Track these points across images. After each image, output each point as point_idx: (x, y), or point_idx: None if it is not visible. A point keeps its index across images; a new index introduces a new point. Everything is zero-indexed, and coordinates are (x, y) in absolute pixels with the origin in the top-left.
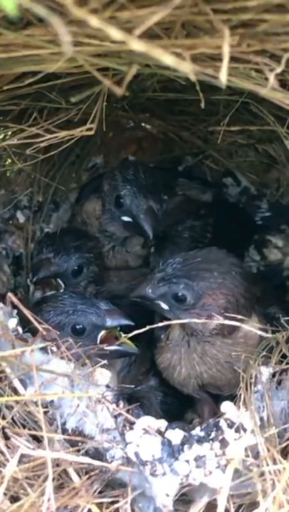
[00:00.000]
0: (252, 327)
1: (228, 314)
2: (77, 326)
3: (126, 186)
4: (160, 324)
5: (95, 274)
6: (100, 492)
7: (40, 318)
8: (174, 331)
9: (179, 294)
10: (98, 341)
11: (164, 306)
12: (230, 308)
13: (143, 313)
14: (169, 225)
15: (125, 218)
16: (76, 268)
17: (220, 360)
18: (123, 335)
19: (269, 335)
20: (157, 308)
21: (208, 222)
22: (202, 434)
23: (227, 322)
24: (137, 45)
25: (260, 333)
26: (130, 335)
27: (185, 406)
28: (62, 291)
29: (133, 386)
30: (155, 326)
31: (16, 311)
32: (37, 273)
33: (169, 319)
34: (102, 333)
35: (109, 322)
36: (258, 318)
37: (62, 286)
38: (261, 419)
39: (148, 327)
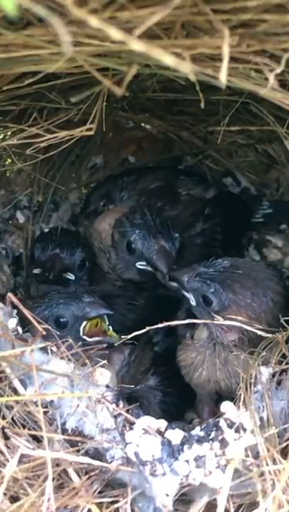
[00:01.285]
0: None
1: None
2: (61, 319)
3: (135, 231)
4: (159, 325)
5: (90, 271)
6: (99, 492)
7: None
8: (201, 331)
9: (207, 297)
10: (81, 333)
11: (193, 301)
12: (251, 331)
13: (138, 313)
14: (181, 232)
15: (140, 264)
16: (80, 262)
17: (239, 374)
18: (111, 328)
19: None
20: (186, 301)
21: (216, 222)
22: (202, 434)
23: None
24: (137, 45)
25: None
26: (129, 336)
27: (184, 406)
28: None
29: (132, 386)
30: (154, 327)
31: (15, 311)
32: (53, 269)
33: (191, 317)
34: (84, 323)
35: (91, 313)
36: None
37: (73, 278)
38: (261, 419)
39: (147, 328)
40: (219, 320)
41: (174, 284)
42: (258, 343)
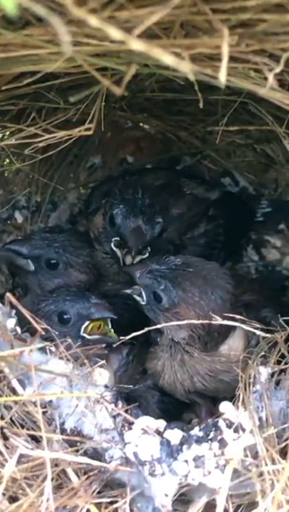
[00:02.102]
0: (232, 346)
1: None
2: (65, 315)
3: (119, 206)
4: (158, 326)
5: (81, 281)
6: (98, 492)
7: (39, 311)
8: (163, 336)
9: (157, 294)
10: (82, 332)
11: (144, 298)
12: (200, 327)
13: (136, 312)
14: (184, 232)
15: (115, 239)
16: (54, 261)
17: (200, 372)
18: (112, 330)
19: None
20: (137, 303)
21: (219, 224)
22: (201, 434)
23: (221, 322)
24: (137, 45)
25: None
26: (128, 337)
27: (183, 405)
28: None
29: (131, 386)
30: (153, 327)
31: (14, 311)
32: (11, 243)
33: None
34: (86, 323)
35: (95, 314)
36: (243, 340)
37: (32, 267)
38: (260, 419)
39: (146, 329)
40: (171, 319)
41: (126, 291)
42: (209, 340)
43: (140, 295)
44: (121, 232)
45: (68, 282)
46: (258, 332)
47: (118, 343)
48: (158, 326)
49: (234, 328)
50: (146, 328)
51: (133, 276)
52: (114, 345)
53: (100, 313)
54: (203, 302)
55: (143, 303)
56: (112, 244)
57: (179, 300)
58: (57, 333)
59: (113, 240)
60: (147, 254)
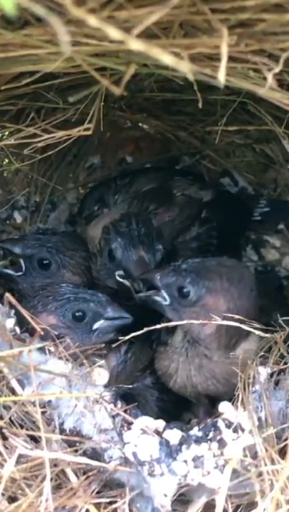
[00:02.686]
0: (247, 349)
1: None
2: (77, 313)
3: (117, 239)
4: (157, 326)
5: (73, 283)
6: (97, 492)
7: (38, 304)
8: (176, 336)
9: (184, 287)
10: (94, 328)
11: (166, 299)
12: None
13: (131, 313)
14: (175, 236)
15: (119, 274)
16: (46, 261)
17: (216, 376)
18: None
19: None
20: (158, 305)
21: (212, 226)
22: (200, 434)
23: (225, 322)
24: (136, 45)
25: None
26: (128, 337)
27: (182, 404)
28: (20, 274)
29: (130, 386)
30: (153, 327)
31: (13, 311)
32: (3, 242)
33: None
34: (101, 322)
35: (111, 312)
36: (255, 344)
37: (23, 268)
38: (259, 419)
39: (146, 329)
40: (198, 313)
41: (143, 294)
42: (235, 334)
43: (161, 296)
44: (124, 266)
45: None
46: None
47: (118, 343)
48: (158, 326)
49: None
50: (145, 328)
51: (153, 280)
52: (113, 345)
53: (118, 312)
54: (232, 289)
55: (166, 303)
56: (118, 277)
57: (207, 290)
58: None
59: (117, 274)
60: None
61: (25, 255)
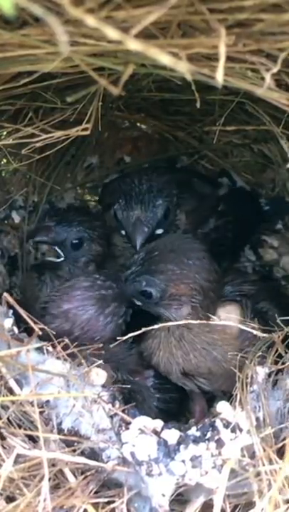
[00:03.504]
0: (228, 315)
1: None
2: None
3: (118, 200)
4: (155, 326)
5: (98, 254)
6: (95, 492)
7: None
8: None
9: (144, 291)
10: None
11: (138, 303)
12: (196, 294)
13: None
14: (195, 227)
15: (122, 232)
16: (76, 241)
17: (196, 346)
18: None
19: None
20: (143, 305)
21: (228, 220)
22: (198, 434)
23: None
24: (134, 45)
25: (227, 323)
26: (129, 336)
27: (180, 403)
28: (62, 259)
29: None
30: (150, 328)
31: (11, 311)
32: (33, 236)
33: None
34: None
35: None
36: (241, 311)
37: (62, 256)
38: (257, 419)
39: (143, 329)
40: (169, 303)
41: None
42: (210, 302)
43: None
44: (124, 228)
45: (90, 258)
46: (227, 323)
47: (116, 343)
48: (155, 327)
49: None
50: (143, 328)
51: (124, 294)
52: (111, 346)
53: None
54: (185, 271)
55: (140, 303)
56: (123, 239)
57: (165, 284)
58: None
59: (122, 233)
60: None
61: (58, 241)
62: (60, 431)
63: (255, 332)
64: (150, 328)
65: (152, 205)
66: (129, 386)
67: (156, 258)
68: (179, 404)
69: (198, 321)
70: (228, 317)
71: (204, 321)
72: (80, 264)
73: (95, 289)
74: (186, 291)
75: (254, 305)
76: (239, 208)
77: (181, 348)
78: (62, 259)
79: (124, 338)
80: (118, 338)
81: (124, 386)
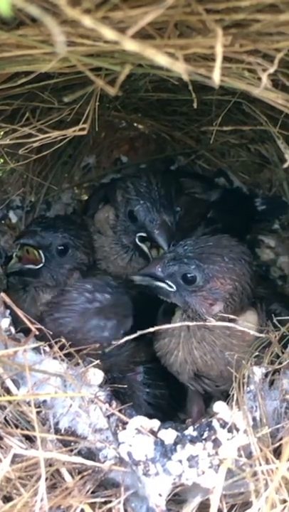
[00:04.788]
0: (247, 323)
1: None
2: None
3: (139, 201)
4: (150, 329)
5: (82, 262)
6: (92, 492)
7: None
8: (175, 316)
9: (189, 275)
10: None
11: (171, 287)
12: (235, 294)
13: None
14: (182, 233)
15: (140, 235)
16: (61, 247)
17: (215, 348)
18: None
19: (262, 335)
20: (162, 292)
21: (217, 227)
22: (195, 434)
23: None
24: (130, 45)
25: (252, 332)
26: (131, 336)
27: (169, 401)
28: (41, 265)
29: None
30: (146, 331)
31: (8, 311)
32: (20, 238)
33: (171, 309)
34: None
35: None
36: (258, 317)
37: (43, 259)
38: (254, 419)
39: (139, 332)
40: (206, 296)
41: (147, 283)
42: (239, 307)
43: (166, 285)
44: (147, 230)
45: (75, 266)
46: (252, 332)
47: (113, 346)
48: (151, 330)
49: (248, 306)
50: (139, 332)
51: (154, 274)
52: (106, 350)
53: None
54: (235, 268)
55: (172, 289)
56: (137, 240)
57: (213, 272)
58: None
59: (137, 235)
60: None
61: (43, 246)
62: (57, 431)
63: (252, 332)
64: (146, 331)
65: (173, 209)
66: (120, 385)
67: (210, 249)
68: (169, 401)
69: (194, 323)
70: (246, 323)
71: (223, 323)
72: (65, 271)
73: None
74: (228, 288)
75: (267, 307)
76: (229, 214)
77: (201, 348)
78: (41, 265)
79: (119, 342)
80: (114, 342)
81: (115, 386)
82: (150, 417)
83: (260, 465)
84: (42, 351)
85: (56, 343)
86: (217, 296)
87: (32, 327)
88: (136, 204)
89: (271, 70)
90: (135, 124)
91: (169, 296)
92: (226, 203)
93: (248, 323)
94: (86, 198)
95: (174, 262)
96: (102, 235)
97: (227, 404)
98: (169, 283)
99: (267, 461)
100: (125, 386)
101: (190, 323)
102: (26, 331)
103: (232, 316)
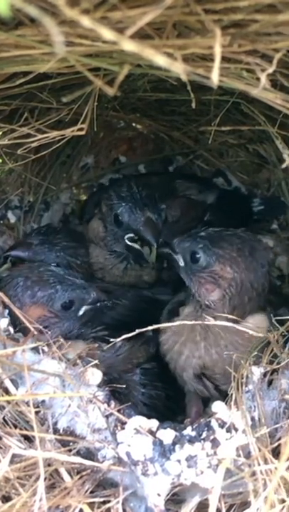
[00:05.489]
0: (257, 321)
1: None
2: (66, 303)
3: (121, 204)
4: (149, 328)
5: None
6: (91, 492)
7: (24, 296)
8: (187, 308)
9: (195, 253)
10: (80, 314)
11: (181, 262)
12: (233, 286)
13: (118, 312)
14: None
15: (129, 237)
16: (54, 265)
17: (220, 342)
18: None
19: (261, 335)
20: (176, 265)
21: None
22: (193, 433)
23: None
24: (129, 46)
25: (251, 332)
26: (130, 335)
27: (165, 402)
28: None
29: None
30: (144, 329)
31: (7, 311)
32: (13, 249)
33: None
34: (85, 307)
35: (94, 297)
36: (268, 322)
37: None
38: (252, 418)
39: (137, 331)
40: (206, 279)
41: (165, 250)
42: (238, 305)
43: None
44: (133, 229)
45: None
46: (251, 332)
47: (110, 344)
48: (149, 328)
49: (256, 310)
50: (137, 330)
51: (171, 244)
52: (105, 347)
53: (97, 295)
54: (240, 259)
55: (181, 264)
56: (127, 241)
57: (216, 257)
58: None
59: (126, 237)
60: None
61: (34, 261)
62: (55, 431)
63: (251, 332)
64: (144, 329)
65: (158, 207)
66: (118, 385)
67: (225, 235)
68: (165, 403)
69: (192, 322)
70: (256, 327)
71: (223, 323)
72: None
73: None
74: (228, 276)
75: (276, 311)
76: (227, 217)
77: (205, 339)
78: None
79: (116, 340)
80: (112, 340)
81: (113, 386)
82: (146, 417)
83: (259, 465)
84: (40, 351)
85: (55, 342)
86: (215, 281)
87: (31, 327)
88: (119, 207)
89: (270, 70)
90: (134, 124)
91: (180, 271)
92: (222, 206)
93: (256, 326)
94: (84, 198)
95: (189, 238)
96: (96, 246)
97: (225, 404)
98: (180, 258)
99: (265, 461)
100: (124, 386)
101: (190, 323)
102: (25, 331)
103: (230, 316)
